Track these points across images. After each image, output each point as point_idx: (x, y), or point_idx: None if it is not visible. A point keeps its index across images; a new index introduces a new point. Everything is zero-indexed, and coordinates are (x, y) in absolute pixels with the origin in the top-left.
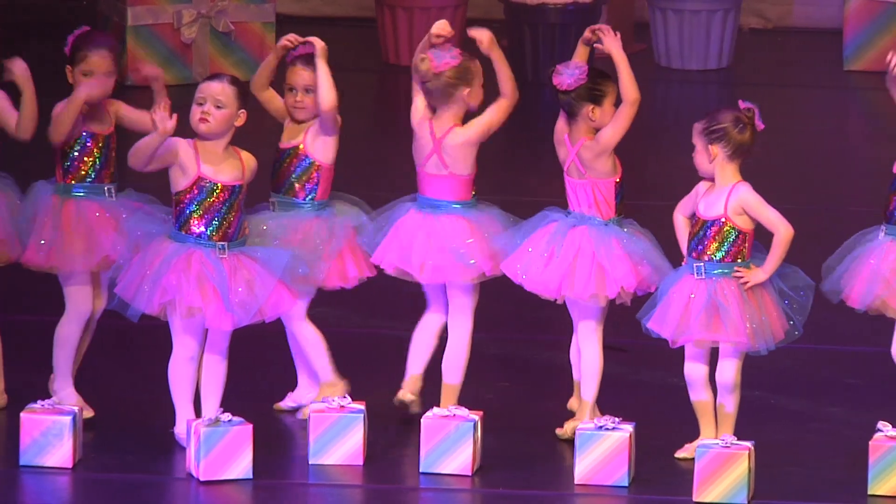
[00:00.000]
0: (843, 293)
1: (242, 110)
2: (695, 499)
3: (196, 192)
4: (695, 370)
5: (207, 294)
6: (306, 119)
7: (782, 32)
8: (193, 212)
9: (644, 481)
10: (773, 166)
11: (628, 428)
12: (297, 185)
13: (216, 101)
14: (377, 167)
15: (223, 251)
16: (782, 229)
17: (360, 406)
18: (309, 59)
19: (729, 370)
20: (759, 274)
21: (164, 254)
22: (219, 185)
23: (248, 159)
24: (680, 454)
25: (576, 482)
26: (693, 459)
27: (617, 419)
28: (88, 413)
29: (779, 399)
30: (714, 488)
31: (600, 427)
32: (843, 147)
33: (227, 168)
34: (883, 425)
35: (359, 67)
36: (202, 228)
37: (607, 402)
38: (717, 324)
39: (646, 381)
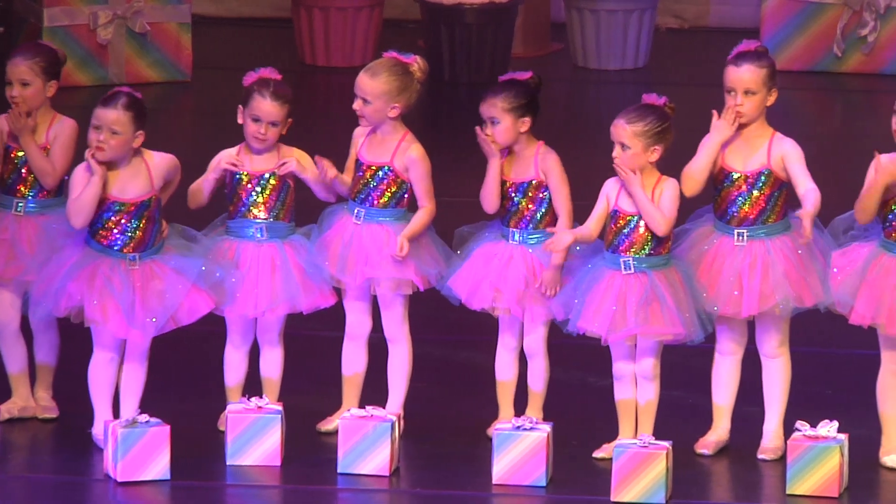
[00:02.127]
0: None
1: (140, 132)
2: (612, 499)
3: (104, 210)
4: (625, 368)
5: (108, 309)
6: (262, 150)
7: (699, 32)
8: (101, 227)
9: (562, 481)
10: (675, 161)
11: (546, 428)
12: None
13: (111, 129)
14: None
15: (133, 262)
16: (665, 224)
17: (278, 407)
18: (278, 93)
19: (649, 363)
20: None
21: (75, 259)
22: (126, 203)
23: (158, 165)
24: (598, 454)
25: (493, 482)
26: (611, 459)
27: (535, 419)
28: (50, 414)
29: (696, 399)
30: (632, 488)
31: (518, 427)
32: None
33: (132, 186)
34: (801, 425)
35: (276, 67)
36: (112, 240)
37: (525, 403)
38: (654, 317)
39: (563, 381)
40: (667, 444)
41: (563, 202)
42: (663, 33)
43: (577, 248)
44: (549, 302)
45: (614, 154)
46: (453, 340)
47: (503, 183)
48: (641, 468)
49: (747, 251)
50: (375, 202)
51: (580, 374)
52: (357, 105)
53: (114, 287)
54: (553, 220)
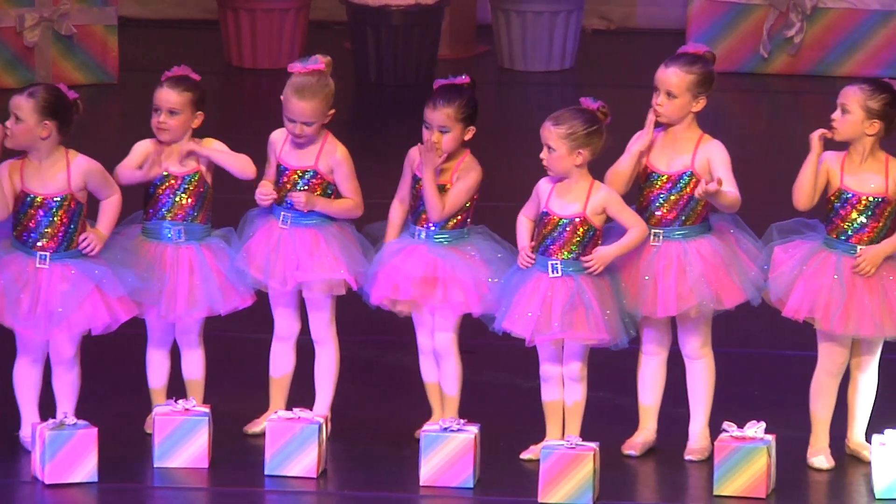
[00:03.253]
0: None
1: (46, 121)
2: (540, 500)
3: (21, 204)
4: (551, 369)
5: (11, 304)
6: (169, 141)
7: (625, 33)
8: (19, 222)
9: (489, 482)
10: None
11: (473, 429)
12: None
13: (15, 114)
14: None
15: (44, 261)
16: (640, 228)
17: (205, 409)
18: (179, 80)
19: (576, 365)
20: (602, 255)
21: None
22: (38, 197)
23: (80, 166)
24: (525, 455)
25: (421, 484)
26: (538, 460)
27: (462, 420)
28: None
29: (623, 400)
30: (559, 489)
31: (445, 429)
32: None
33: (49, 182)
34: (728, 426)
35: (202, 69)
36: (26, 236)
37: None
38: (578, 321)
39: (490, 383)
40: (594, 445)
41: (454, 200)
42: (590, 35)
43: (499, 255)
44: (472, 299)
45: (542, 155)
46: (380, 342)
47: (416, 181)
48: (569, 469)
49: (663, 252)
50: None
51: (509, 376)
52: (299, 129)
53: (21, 284)
54: (461, 222)
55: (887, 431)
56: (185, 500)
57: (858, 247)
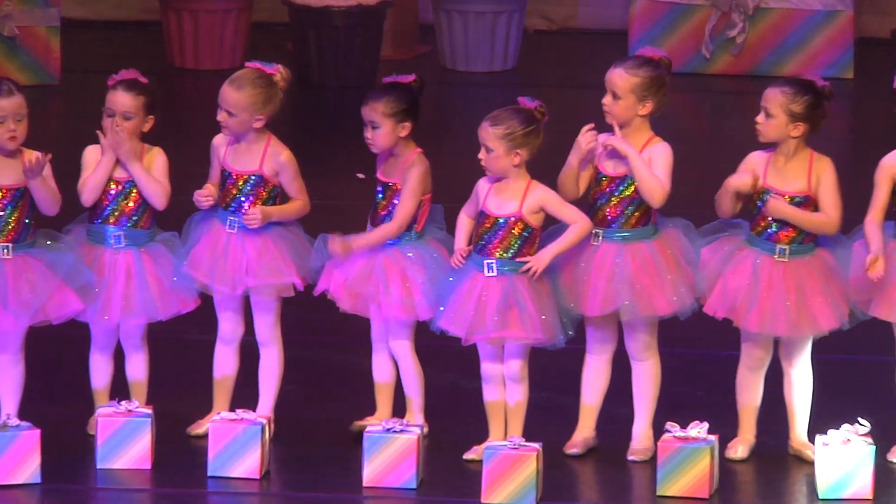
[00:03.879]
0: None
1: None
2: (483, 500)
3: None
4: (492, 369)
5: None
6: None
7: (567, 34)
8: None
9: (432, 483)
10: (557, 167)
11: (416, 430)
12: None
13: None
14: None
15: (7, 252)
16: (580, 224)
17: (148, 410)
18: (132, 84)
19: (516, 365)
20: (541, 256)
21: None
22: (1, 188)
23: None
24: (468, 456)
25: (364, 484)
26: (481, 461)
27: (405, 421)
28: None
29: (567, 400)
30: (503, 490)
31: (388, 429)
32: None
33: (10, 173)
34: (671, 426)
35: (145, 70)
36: None
37: (396, 404)
38: (512, 321)
39: (434, 383)
40: (537, 445)
41: (402, 207)
42: (532, 35)
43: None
44: (417, 299)
45: (480, 156)
46: (325, 342)
47: (375, 181)
48: (512, 470)
49: (600, 252)
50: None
51: (453, 376)
52: (222, 117)
53: None
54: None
55: (830, 432)
56: (128, 501)
57: (777, 247)
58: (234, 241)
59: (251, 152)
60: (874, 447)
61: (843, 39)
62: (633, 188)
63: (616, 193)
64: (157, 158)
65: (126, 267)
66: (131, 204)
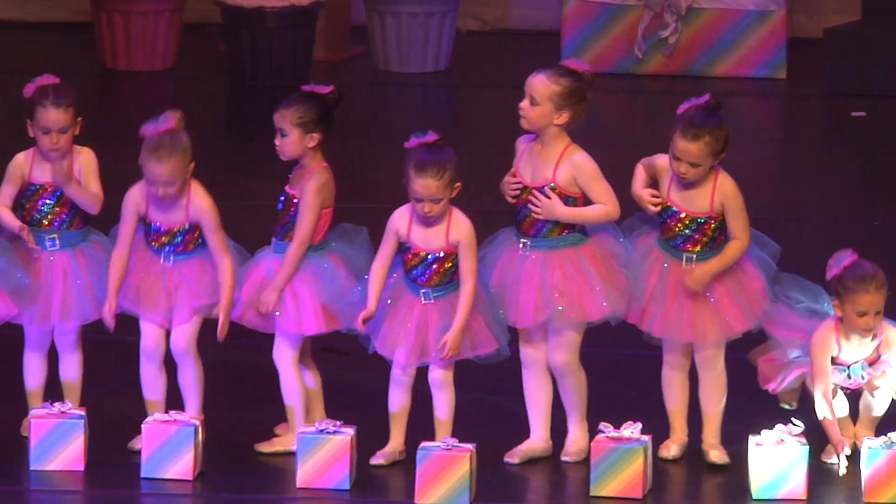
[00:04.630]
0: None
1: None
2: (416, 501)
3: None
4: (404, 377)
5: None
6: (59, 158)
7: (500, 34)
8: None
9: (365, 484)
10: (491, 167)
11: (349, 431)
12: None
13: None
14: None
15: None
16: (469, 285)
17: (81, 412)
18: (60, 97)
19: (439, 370)
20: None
21: None
22: None
23: None
24: (376, 461)
25: (297, 485)
26: (390, 465)
27: (338, 422)
28: None
29: (498, 400)
30: (436, 491)
31: (322, 430)
32: None
33: None
34: (604, 426)
35: (77, 72)
36: None
37: (329, 406)
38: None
39: (367, 385)
40: (470, 446)
41: (300, 222)
42: (464, 36)
43: None
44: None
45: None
46: (244, 344)
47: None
48: (446, 471)
49: (529, 262)
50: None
51: (383, 378)
52: (162, 191)
53: None
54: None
55: (764, 432)
56: (61, 502)
57: (685, 255)
58: (169, 271)
59: (176, 204)
60: (808, 447)
61: (775, 39)
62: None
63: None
64: (88, 161)
65: (63, 269)
66: (63, 208)
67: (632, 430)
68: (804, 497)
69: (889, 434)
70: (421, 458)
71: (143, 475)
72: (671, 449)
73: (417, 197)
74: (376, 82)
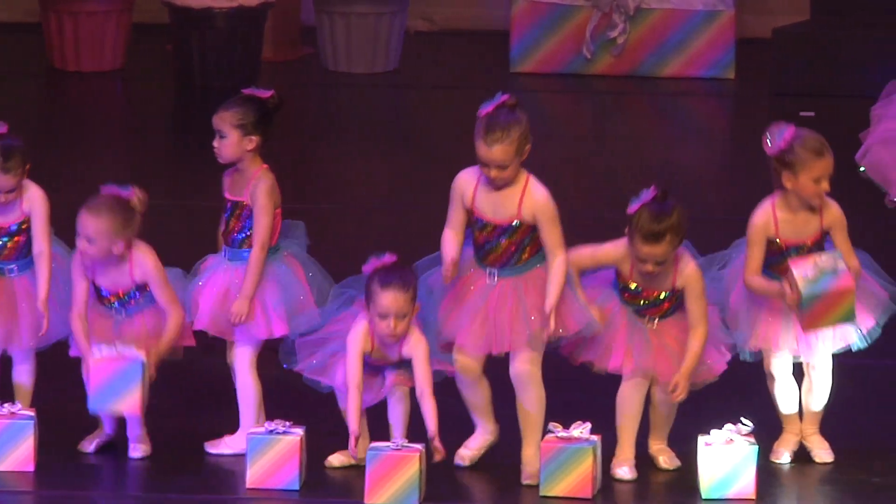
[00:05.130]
0: None
1: None
2: (366, 501)
3: None
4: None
5: None
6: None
7: (449, 35)
8: None
9: (314, 485)
10: (440, 167)
11: (299, 431)
12: None
13: None
14: (46, 173)
15: None
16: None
17: (30, 413)
18: (7, 162)
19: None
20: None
21: None
22: None
23: None
24: (332, 462)
25: (247, 486)
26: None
27: (288, 423)
28: None
29: (448, 400)
30: (385, 490)
31: (271, 431)
32: None
33: None
34: (554, 426)
35: (26, 73)
36: None
37: (278, 407)
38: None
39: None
40: (419, 446)
41: (258, 227)
42: (413, 36)
43: None
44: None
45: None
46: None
47: (223, 200)
48: (395, 471)
49: (499, 288)
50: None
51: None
52: (81, 245)
53: None
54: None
55: (713, 432)
56: (11, 503)
57: (647, 318)
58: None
59: (120, 268)
60: (757, 447)
61: (724, 39)
62: (521, 231)
63: (504, 238)
64: (37, 205)
65: (25, 291)
66: (19, 240)
67: (581, 429)
68: (753, 496)
69: (817, 260)
70: (371, 458)
71: (90, 408)
72: (624, 471)
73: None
74: (325, 83)
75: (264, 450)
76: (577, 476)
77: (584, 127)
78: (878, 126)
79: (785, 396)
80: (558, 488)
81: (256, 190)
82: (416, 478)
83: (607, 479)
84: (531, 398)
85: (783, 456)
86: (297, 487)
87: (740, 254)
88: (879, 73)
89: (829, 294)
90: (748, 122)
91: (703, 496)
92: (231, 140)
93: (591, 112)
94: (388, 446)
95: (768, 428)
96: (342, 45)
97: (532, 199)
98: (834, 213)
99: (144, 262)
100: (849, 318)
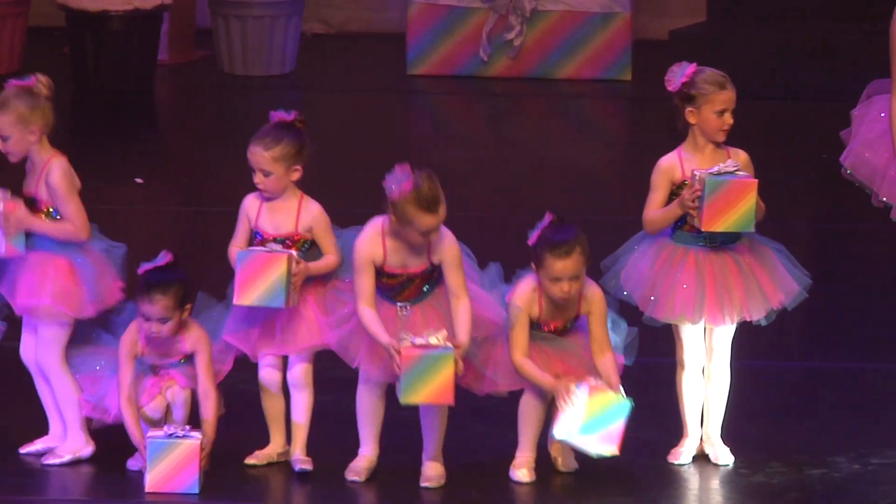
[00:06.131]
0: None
1: None
2: (235, 302)
3: None
4: (270, 375)
5: None
6: None
7: (345, 37)
8: None
9: (214, 488)
10: (337, 169)
11: (198, 435)
12: None
13: None
14: None
15: None
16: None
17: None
18: None
19: (300, 371)
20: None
21: None
22: None
23: None
24: (250, 461)
25: (147, 490)
26: (262, 465)
27: (187, 427)
28: None
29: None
30: (254, 290)
31: (170, 435)
32: (408, 150)
33: None
34: (405, 335)
35: None
36: None
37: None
38: (299, 334)
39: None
40: (289, 252)
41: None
42: (309, 38)
43: None
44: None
45: (257, 181)
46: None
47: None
48: (264, 270)
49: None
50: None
51: (233, 382)
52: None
53: None
54: None
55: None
56: None
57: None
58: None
59: (34, 172)
60: (630, 402)
61: (620, 41)
62: (419, 278)
63: (409, 285)
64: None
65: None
66: None
67: (437, 336)
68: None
69: (720, 165)
70: (241, 257)
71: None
72: (524, 473)
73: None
74: (221, 85)
75: (164, 454)
76: (440, 383)
77: (480, 129)
78: (860, 128)
79: (690, 392)
80: (420, 395)
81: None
82: (284, 278)
83: (506, 479)
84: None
85: (682, 457)
86: (196, 491)
87: (644, 237)
88: (776, 73)
89: (733, 185)
90: (645, 123)
91: (579, 432)
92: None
93: (488, 114)
94: (261, 249)
95: (670, 430)
96: (238, 47)
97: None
98: (742, 157)
99: (53, 171)
100: (747, 222)
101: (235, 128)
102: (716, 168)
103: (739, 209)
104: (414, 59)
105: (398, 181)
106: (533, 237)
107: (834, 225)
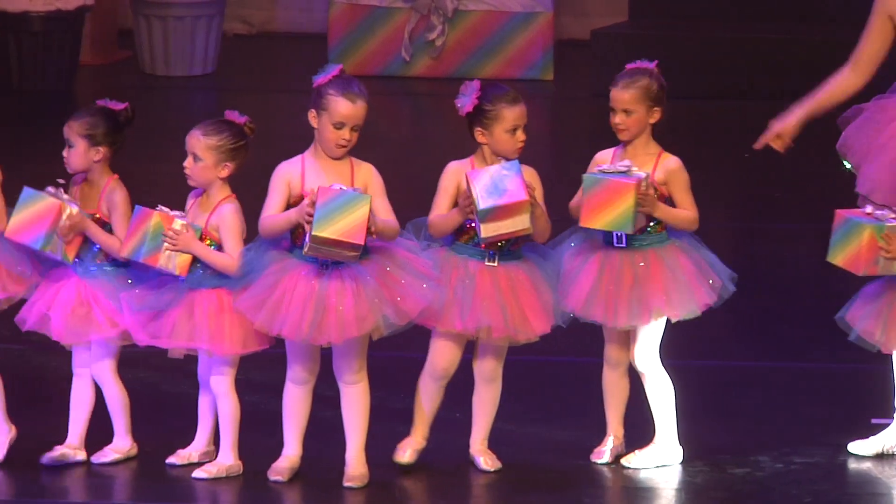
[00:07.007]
0: None
1: None
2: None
3: None
4: (205, 375)
5: None
6: None
7: (267, 37)
8: None
9: (144, 490)
10: (256, 169)
11: (65, 198)
12: None
13: None
14: None
15: None
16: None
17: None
18: None
19: (221, 371)
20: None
21: None
22: None
23: None
24: (171, 460)
25: (5, 235)
26: (186, 465)
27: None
28: None
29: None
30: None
31: (46, 191)
32: None
33: None
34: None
35: None
36: None
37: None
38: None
39: (171, 393)
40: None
41: (116, 233)
42: (231, 39)
43: None
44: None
45: (186, 164)
46: (21, 349)
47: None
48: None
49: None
50: None
51: (153, 377)
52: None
53: None
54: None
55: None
56: None
57: (488, 251)
58: None
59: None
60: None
61: (542, 41)
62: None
63: None
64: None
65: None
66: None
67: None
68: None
69: (616, 164)
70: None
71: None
72: (407, 453)
73: None
74: (143, 86)
75: (28, 203)
76: (352, 220)
77: (403, 129)
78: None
79: (613, 391)
80: (331, 230)
81: (112, 199)
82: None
83: (428, 479)
84: (356, 397)
85: (605, 456)
86: (38, 248)
87: (572, 233)
88: (697, 73)
89: (609, 184)
90: (567, 123)
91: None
92: (78, 150)
93: (411, 114)
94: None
95: (594, 430)
96: (159, 47)
97: None
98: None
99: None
100: (624, 223)
101: (156, 128)
102: (607, 166)
103: (615, 209)
104: (335, 60)
105: (326, 73)
106: (469, 103)
107: (755, 224)
